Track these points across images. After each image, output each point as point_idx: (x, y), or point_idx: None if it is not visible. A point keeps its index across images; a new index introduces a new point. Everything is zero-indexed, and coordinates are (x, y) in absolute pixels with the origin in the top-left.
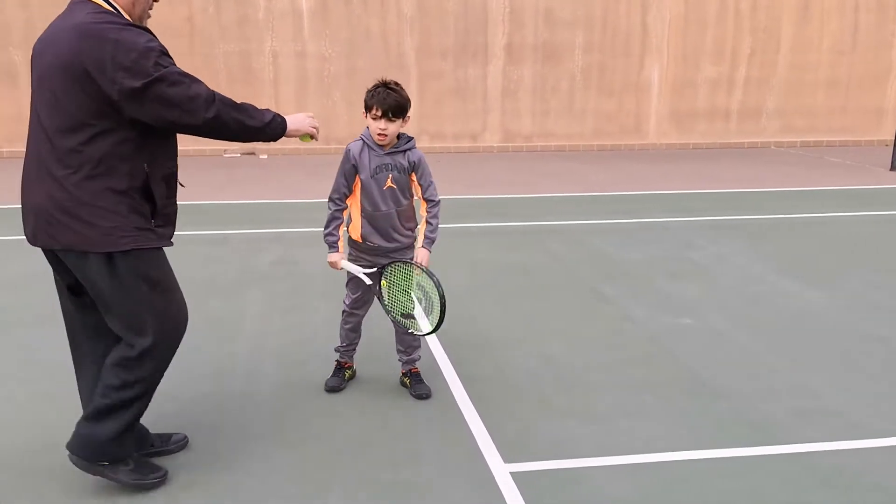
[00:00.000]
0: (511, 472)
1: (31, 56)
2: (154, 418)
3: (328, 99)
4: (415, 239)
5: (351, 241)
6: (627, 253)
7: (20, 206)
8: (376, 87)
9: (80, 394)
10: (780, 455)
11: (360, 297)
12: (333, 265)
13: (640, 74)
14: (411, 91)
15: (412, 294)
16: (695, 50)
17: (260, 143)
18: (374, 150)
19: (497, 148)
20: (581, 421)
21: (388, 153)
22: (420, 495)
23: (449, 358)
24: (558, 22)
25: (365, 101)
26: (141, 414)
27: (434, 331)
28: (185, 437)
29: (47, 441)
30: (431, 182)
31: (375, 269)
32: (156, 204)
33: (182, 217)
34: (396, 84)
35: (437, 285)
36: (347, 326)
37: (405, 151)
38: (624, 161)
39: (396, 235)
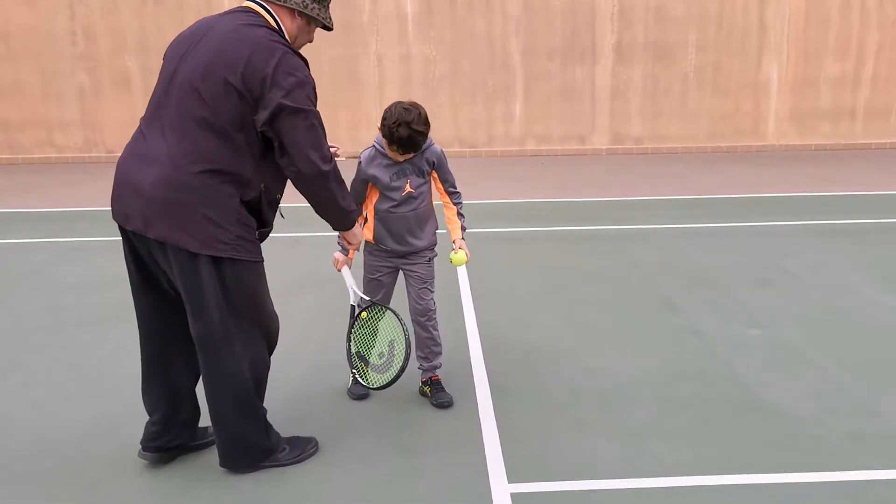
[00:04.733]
0: (512, 493)
1: (174, 43)
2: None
3: (433, 101)
4: (431, 242)
5: (364, 243)
6: (715, 260)
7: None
8: (397, 122)
9: (152, 395)
10: (823, 483)
11: (380, 301)
12: (335, 264)
13: (758, 73)
14: (517, 93)
15: (378, 346)
16: (817, 47)
17: (328, 196)
18: (388, 158)
19: (605, 150)
20: (608, 440)
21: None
22: None
23: (486, 366)
24: (670, 20)
25: (383, 123)
26: (260, 397)
27: (375, 388)
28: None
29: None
30: (452, 175)
31: (368, 300)
32: (263, 224)
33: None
34: (418, 113)
35: (405, 357)
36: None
37: (425, 151)
38: (738, 164)
39: (411, 239)
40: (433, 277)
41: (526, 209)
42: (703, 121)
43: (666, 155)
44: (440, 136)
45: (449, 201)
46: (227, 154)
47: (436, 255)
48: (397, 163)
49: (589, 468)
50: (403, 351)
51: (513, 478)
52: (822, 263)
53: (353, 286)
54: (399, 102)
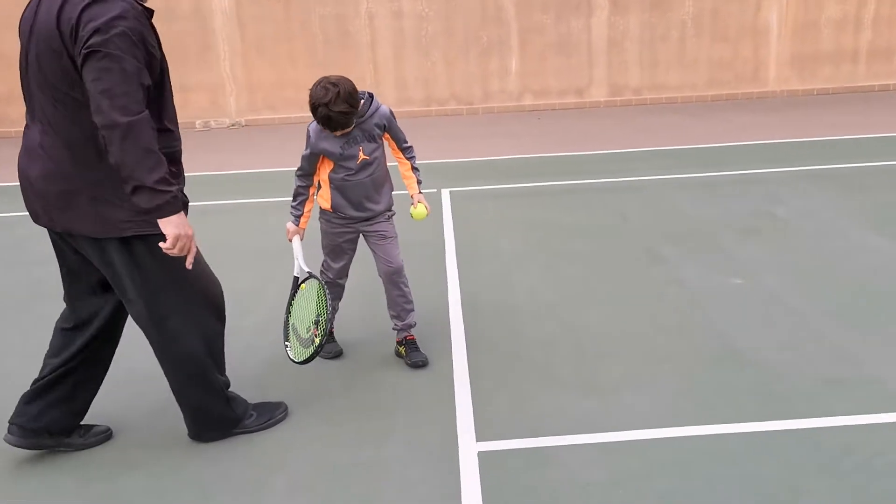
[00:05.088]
0: (479, 452)
1: (20, 21)
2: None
3: (427, 59)
4: (388, 204)
5: (321, 211)
6: (704, 210)
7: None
8: (314, 104)
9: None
10: (789, 431)
11: (343, 266)
12: (287, 234)
13: (758, 17)
14: (511, 48)
15: (307, 320)
16: None
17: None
18: None
19: (604, 103)
20: (580, 395)
21: (355, 125)
22: (372, 476)
23: (465, 325)
24: None
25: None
26: (218, 370)
27: (298, 363)
28: (109, 428)
29: None
30: (401, 131)
31: (308, 273)
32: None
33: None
34: (337, 92)
35: (324, 335)
36: (331, 297)
37: (373, 115)
38: (738, 111)
39: (369, 205)
40: (396, 235)
41: (517, 165)
42: (702, 68)
43: (665, 105)
44: (435, 94)
45: (402, 157)
46: (87, 123)
47: (394, 213)
48: (345, 133)
49: (558, 425)
50: (324, 328)
51: (481, 436)
52: (813, 209)
53: (298, 257)
54: (322, 80)
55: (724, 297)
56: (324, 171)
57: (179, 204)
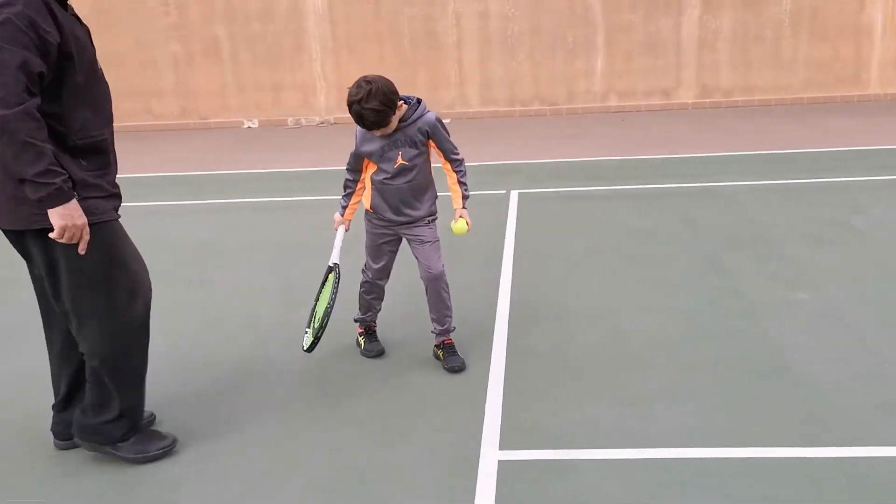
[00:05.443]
0: (500, 460)
1: None
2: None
3: (513, 59)
4: (429, 211)
5: (365, 211)
6: (776, 217)
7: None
8: (349, 102)
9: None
10: (831, 459)
11: (383, 267)
12: (334, 224)
13: (861, 16)
14: (597, 47)
15: (324, 310)
16: None
17: None
18: None
19: (692, 104)
20: (613, 406)
21: (398, 129)
22: (385, 479)
23: (509, 329)
24: None
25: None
26: (135, 396)
27: (302, 348)
28: (152, 413)
29: None
30: (450, 142)
31: (335, 264)
32: (72, 177)
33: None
34: (369, 90)
35: (321, 329)
36: (371, 296)
37: (416, 121)
38: (835, 115)
39: (407, 210)
40: (437, 239)
41: (591, 167)
42: (798, 69)
43: (757, 107)
44: (520, 95)
45: (449, 168)
46: None
47: (436, 218)
48: (388, 135)
49: (585, 436)
50: (320, 320)
51: (505, 445)
52: (893, 221)
53: (337, 247)
54: (359, 79)
55: (780, 308)
56: (368, 172)
57: (66, 195)
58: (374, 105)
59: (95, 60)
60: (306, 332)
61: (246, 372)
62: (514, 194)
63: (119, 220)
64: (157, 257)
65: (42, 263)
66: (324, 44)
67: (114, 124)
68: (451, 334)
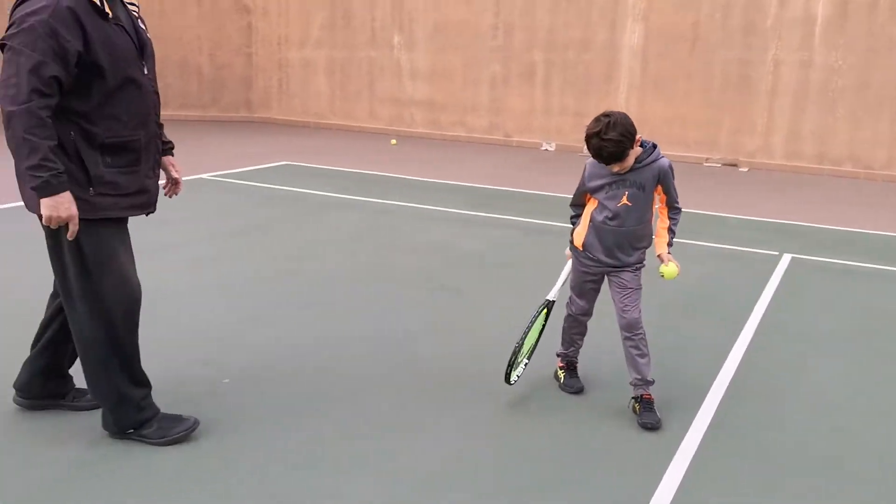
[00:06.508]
0: None
1: None
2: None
3: (829, 114)
4: (639, 259)
5: (572, 247)
6: None
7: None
8: (588, 135)
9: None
10: None
11: (585, 305)
12: (567, 258)
13: None
14: None
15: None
16: None
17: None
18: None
19: None
20: None
21: (631, 169)
22: None
23: (723, 399)
24: None
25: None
26: (128, 380)
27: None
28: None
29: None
30: (676, 190)
31: (551, 301)
32: (88, 172)
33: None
34: (608, 122)
35: (511, 365)
36: (573, 331)
37: (651, 164)
38: None
39: (620, 255)
40: (640, 287)
41: (883, 242)
42: None
43: None
44: (831, 152)
45: (665, 214)
46: None
47: (643, 266)
48: (618, 174)
49: None
50: (527, 354)
51: None
52: None
53: (559, 283)
54: (599, 115)
55: None
56: (589, 207)
57: (53, 188)
58: (613, 136)
59: (141, 68)
60: (512, 365)
61: (443, 388)
62: (786, 258)
63: (127, 218)
64: (411, 259)
65: (47, 241)
66: (632, 78)
67: (160, 128)
68: (650, 388)
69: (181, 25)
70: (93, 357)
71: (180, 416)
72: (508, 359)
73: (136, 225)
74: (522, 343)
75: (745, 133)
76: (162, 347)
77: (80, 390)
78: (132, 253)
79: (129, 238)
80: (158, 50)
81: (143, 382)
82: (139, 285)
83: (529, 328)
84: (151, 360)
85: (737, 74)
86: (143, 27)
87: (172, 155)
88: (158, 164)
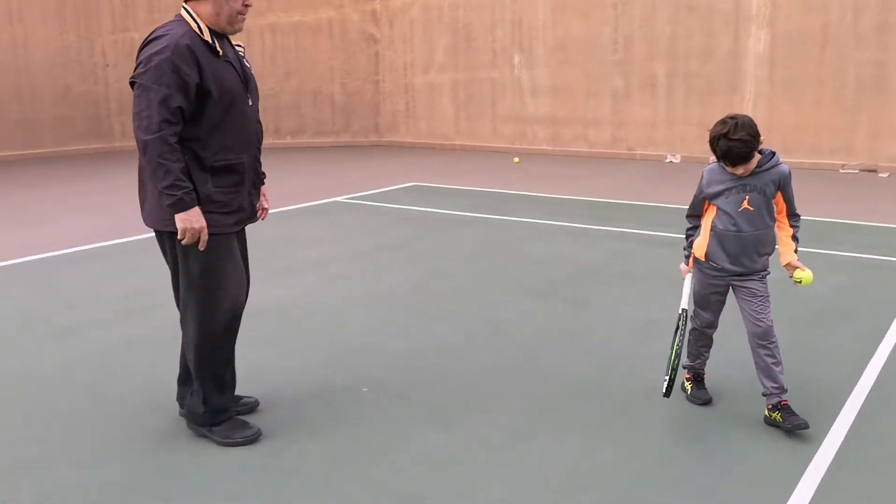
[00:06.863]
0: None
1: None
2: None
3: None
4: (765, 265)
5: (695, 260)
6: None
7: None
8: (715, 137)
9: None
10: None
11: (710, 318)
12: (681, 273)
13: None
14: None
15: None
16: None
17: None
18: (728, 173)
19: None
20: None
21: (752, 173)
22: None
23: (861, 409)
24: None
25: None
26: (215, 387)
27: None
28: (256, 399)
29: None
30: (793, 197)
31: (684, 311)
32: (197, 192)
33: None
34: (735, 123)
35: (669, 380)
36: (699, 344)
37: (770, 170)
38: None
39: (746, 261)
40: (769, 294)
41: None
42: None
43: None
44: None
45: (786, 223)
46: None
47: (769, 273)
48: (739, 178)
49: None
50: (669, 365)
51: None
52: None
53: (686, 293)
54: (723, 118)
55: None
56: (708, 217)
57: (187, 204)
58: (741, 135)
59: (245, 99)
60: (666, 380)
61: (564, 396)
62: None
63: (234, 233)
64: (534, 271)
65: (170, 261)
66: (759, 85)
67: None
68: (786, 394)
69: (315, 58)
70: (194, 364)
71: (247, 422)
72: (667, 374)
73: (287, 247)
74: (671, 356)
75: (884, 137)
76: (307, 358)
77: (237, 397)
78: (240, 263)
79: (237, 250)
80: (295, 82)
81: (230, 385)
82: (245, 293)
83: (678, 341)
84: (296, 370)
85: (871, 76)
86: (248, 65)
87: (263, 183)
88: (257, 186)
